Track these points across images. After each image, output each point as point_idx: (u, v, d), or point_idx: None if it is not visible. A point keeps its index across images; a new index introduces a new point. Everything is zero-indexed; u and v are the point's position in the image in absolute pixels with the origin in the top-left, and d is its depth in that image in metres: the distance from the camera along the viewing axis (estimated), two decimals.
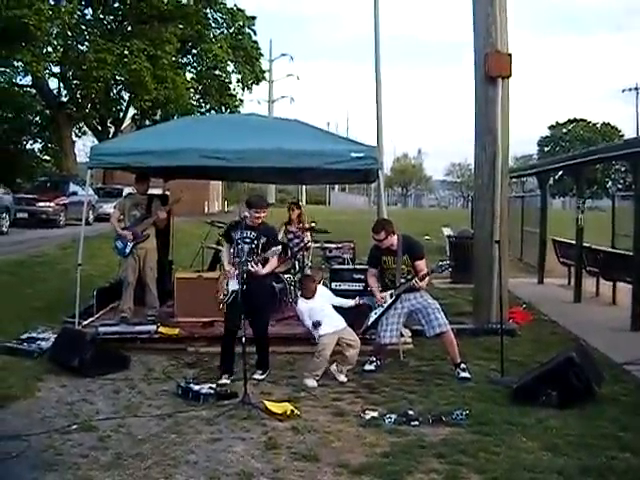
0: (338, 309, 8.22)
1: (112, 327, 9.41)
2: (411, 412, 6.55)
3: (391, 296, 8.21)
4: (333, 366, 7.91)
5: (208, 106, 42.14)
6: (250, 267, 7.72)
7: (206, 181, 35.55)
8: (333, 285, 10.02)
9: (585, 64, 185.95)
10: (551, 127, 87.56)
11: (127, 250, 9.90)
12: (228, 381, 7.59)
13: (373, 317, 8.32)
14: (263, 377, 7.89)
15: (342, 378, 7.86)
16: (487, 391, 7.42)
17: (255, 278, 7.71)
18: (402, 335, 8.79)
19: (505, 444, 5.87)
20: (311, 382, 7.66)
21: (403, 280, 8.21)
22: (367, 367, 8.31)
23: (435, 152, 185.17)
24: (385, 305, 8.22)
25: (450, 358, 8.27)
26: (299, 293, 8.36)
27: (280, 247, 8.22)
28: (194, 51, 41.92)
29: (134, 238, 9.87)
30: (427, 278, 8.21)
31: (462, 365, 8.14)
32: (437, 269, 8.38)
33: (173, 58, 37.15)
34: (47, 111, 38.46)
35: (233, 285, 7.80)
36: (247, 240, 7.91)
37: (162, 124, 16.87)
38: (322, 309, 7.98)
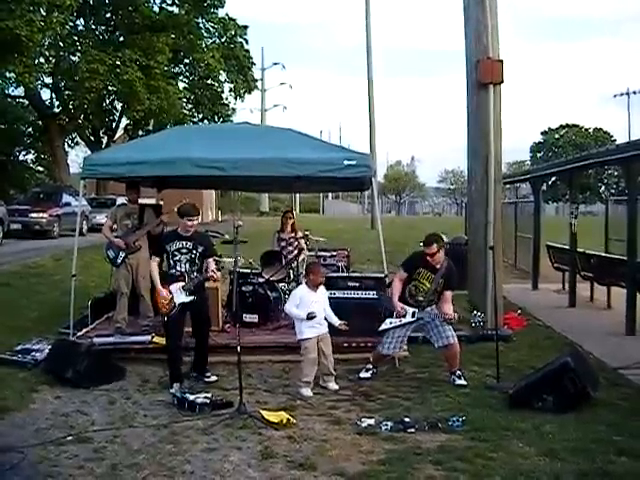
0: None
1: (107, 337, 9.39)
2: (407, 419, 6.55)
3: (413, 315, 8.13)
4: (320, 382, 7.89)
5: (201, 115, 42.22)
6: (212, 273, 7.96)
7: (199, 190, 35.56)
8: (328, 293, 10.00)
9: (577, 70, 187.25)
10: (544, 133, 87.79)
11: (119, 259, 9.86)
12: (178, 389, 7.54)
13: (387, 325, 8.21)
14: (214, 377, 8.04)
15: (334, 386, 7.86)
16: (483, 397, 7.43)
17: (202, 289, 7.94)
18: None
19: (502, 450, 5.87)
20: (306, 391, 7.64)
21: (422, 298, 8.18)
22: (363, 374, 8.30)
23: (428, 159, 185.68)
24: (403, 321, 8.14)
25: (448, 365, 8.27)
26: (304, 280, 8.29)
27: (213, 259, 8.32)
28: (186, 61, 42.01)
29: (126, 248, 9.85)
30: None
31: (457, 372, 8.14)
32: (472, 319, 8.34)
33: (165, 68, 37.19)
34: (39, 122, 38.48)
35: (180, 297, 7.88)
36: (184, 250, 7.97)
37: (155, 134, 16.84)
38: (315, 305, 7.95)
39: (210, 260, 8.11)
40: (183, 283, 7.90)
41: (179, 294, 7.88)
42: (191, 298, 7.90)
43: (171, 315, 7.91)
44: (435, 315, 8.10)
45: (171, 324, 7.95)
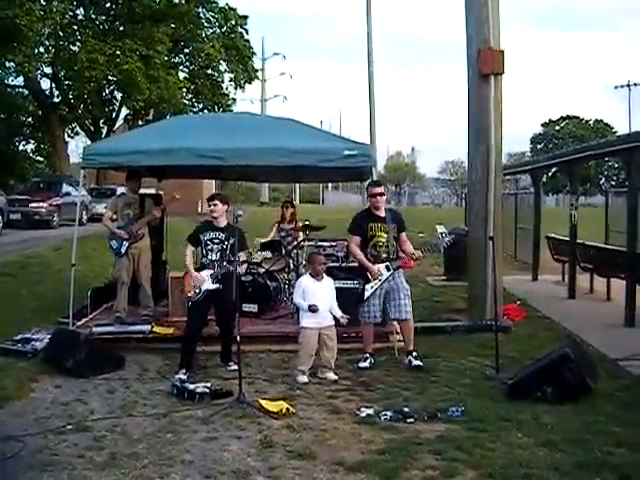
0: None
1: (106, 327, 9.41)
2: (407, 409, 6.56)
3: (387, 269, 8.18)
4: (319, 373, 7.89)
5: (201, 105, 42.09)
6: (236, 266, 7.81)
7: (199, 180, 35.60)
8: None
9: (577, 61, 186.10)
10: (544, 124, 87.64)
11: (123, 249, 9.86)
12: (185, 377, 7.63)
13: (370, 290, 8.25)
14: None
15: (332, 376, 7.85)
16: (482, 387, 7.43)
17: (229, 278, 7.82)
18: (397, 333, 8.80)
19: (500, 440, 5.88)
20: (301, 378, 7.68)
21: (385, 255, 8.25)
22: (362, 364, 8.31)
23: (429, 150, 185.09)
24: (382, 279, 8.18)
25: (404, 344, 8.40)
26: (308, 271, 8.32)
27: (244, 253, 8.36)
28: (186, 50, 41.86)
29: (129, 237, 9.85)
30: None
31: (414, 353, 8.27)
32: (439, 241, 8.44)
33: (165, 58, 37.09)
34: (39, 112, 38.35)
35: (206, 284, 8.03)
36: (216, 241, 8.16)
37: (155, 123, 16.80)
38: (320, 295, 7.94)
39: (240, 253, 8.03)
40: (212, 271, 8.05)
41: (206, 281, 8.05)
42: (216, 286, 8.03)
43: (195, 300, 8.10)
44: (401, 265, 8.29)
45: (194, 309, 8.17)
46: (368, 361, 8.35)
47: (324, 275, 8.12)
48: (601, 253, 13.45)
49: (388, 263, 8.23)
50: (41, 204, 26.41)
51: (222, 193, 8.64)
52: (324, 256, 12.16)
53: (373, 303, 8.27)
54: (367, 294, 8.27)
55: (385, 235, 8.28)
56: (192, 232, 8.44)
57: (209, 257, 8.14)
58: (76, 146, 53.44)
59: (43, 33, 31.13)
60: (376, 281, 8.21)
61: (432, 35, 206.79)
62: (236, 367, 7.57)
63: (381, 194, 8.42)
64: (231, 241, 8.05)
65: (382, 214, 8.35)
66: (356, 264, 8.86)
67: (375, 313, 8.31)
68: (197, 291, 8.06)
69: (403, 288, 8.30)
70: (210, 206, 8.24)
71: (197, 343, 8.22)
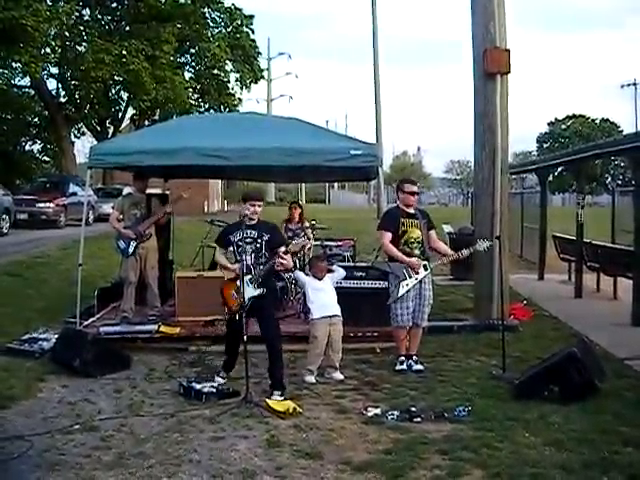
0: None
1: (113, 327, 9.44)
2: (413, 409, 6.56)
3: (425, 268, 8.12)
4: (325, 374, 7.89)
5: (207, 105, 42.15)
6: (280, 260, 7.27)
7: (205, 180, 35.61)
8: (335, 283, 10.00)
9: (583, 60, 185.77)
10: (550, 123, 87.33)
11: (130, 250, 9.87)
12: (224, 380, 7.51)
13: (405, 288, 8.05)
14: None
15: (339, 376, 7.86)
16: (489, 387, 7.43)
17: (269, 280, 7.49)
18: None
19: (507, 440, 5.87)
20: (309, 378, 7.70)
21: (418, 252, 8.18)
22: (399, 367, 8.22)
23: (434, 149, 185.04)
24: (419, 277, 8.10)
25: (409, 347, 8.32)
26: (310, 272, 8.31)
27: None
28: (192, 50, 41.92)
29: (137, 237, 9.86)
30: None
31: (414, 357, 8.25)
32: (479, 246, 8.46)
33: (171, 58, 37.13)
34: (46, 112, 38.44)
35: (249, 291, 7.23)
36: (248, 240, 7.34)
37: (161, 123, 16.84)
38: (325, 292, 8.02)
39: (282, 248, 7.34)
40: (250, 276, 7.28)
41: (247, 288, 7.22)
42: (260, 291, 7.29)
43: (241, 313, 7.14)
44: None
45: (238, 323, 7.16)
46: (405, 364, 8.24)
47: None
48: (608, 252, 13.43)
49: (426, 262, 8.16)
50: (48, 204, 26.45)
51: (258, 191, 8.33)
52: (331, 256, 12.25)
53: (407, 305, 8.11)
54: (402, 291, 8.05)
55: (418, 231, 8.20)
56: (220, 234, 7.77)
57: (243, 259, 7.26)
58: (82, 146, 53.67)
59: (49, 34, 31.17)
60: (412, 279, 8.06)
61: (438, 34, 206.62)
62: (280, 398, 7.04)
63: (417, 193, 8.43)
64: (265, 238, 7.35)
65: (412, 211, 8.33)
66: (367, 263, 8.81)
67: (409, 316, 8.15)
68: (240, 301, 7.19)
69: (430, 297, 8.25)
70: (255, 207, 7.37)
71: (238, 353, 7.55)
